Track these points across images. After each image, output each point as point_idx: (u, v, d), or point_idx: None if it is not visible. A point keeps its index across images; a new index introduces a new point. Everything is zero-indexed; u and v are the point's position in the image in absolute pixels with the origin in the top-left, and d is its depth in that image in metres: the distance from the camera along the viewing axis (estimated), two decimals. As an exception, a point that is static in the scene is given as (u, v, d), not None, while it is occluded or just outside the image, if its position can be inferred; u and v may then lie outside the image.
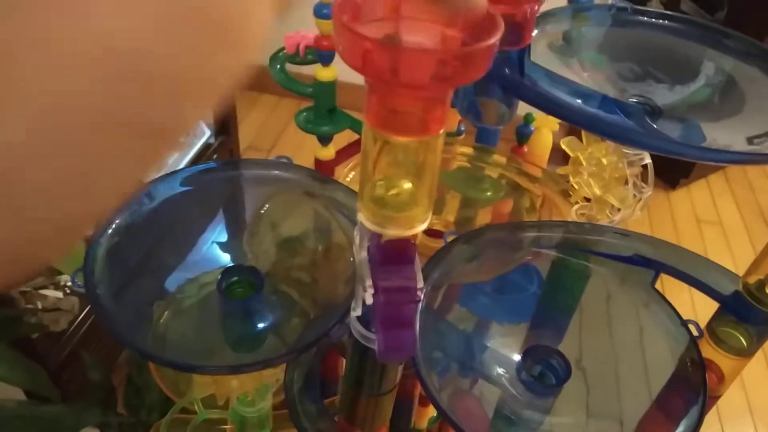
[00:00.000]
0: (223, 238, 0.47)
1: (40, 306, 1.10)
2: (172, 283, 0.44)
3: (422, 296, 0.27)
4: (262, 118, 2.40)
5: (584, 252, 0.46)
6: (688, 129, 0.36)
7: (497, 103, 0.42)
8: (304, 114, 0.92)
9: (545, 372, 0.41)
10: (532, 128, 0.90)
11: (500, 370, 0.42)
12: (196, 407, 0.55)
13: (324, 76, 0.85)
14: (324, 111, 0.89)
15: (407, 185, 0.25)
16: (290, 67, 0.83)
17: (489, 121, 0.45)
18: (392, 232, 0.26)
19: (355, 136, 0.97)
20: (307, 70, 0.84)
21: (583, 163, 0.43)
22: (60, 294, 1.14)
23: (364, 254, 0.28)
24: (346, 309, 0.38)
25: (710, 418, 1.34)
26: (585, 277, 0.48)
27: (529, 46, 0.36)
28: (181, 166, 1.40)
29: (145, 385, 1.03)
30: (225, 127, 1.57)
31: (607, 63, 0.39)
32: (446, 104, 0.23)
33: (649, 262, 0.41)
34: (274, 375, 0.52)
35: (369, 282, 0.27)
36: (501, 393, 0.41)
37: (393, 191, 0.25)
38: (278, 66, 0.89)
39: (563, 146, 0.46)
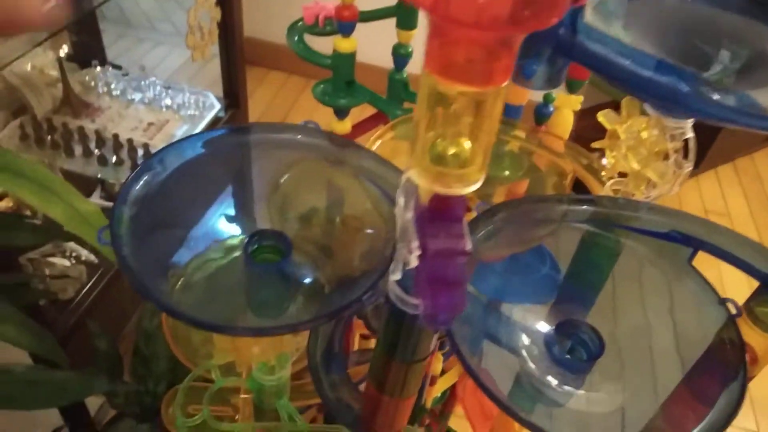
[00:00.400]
0: (247, 203, 0.46)
1: (47, 273, 1.09)
2: (195, 246, 0.43)
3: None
4: (270, 95, 2.38)
5: (617, 227, 0.45)
6: (738, 98, 0.34)
7: (546, 67, 0.40)
8: (322, 86, 0.91)
9: (576, 347, 0.41)
10: (552, 108, 0.89)
11: (527, 344, 0.41)
12: (213, 375, 0.54)
13: (343, 48, 0.84)
14: (342, 83, 0.88)
15: (464, 141, 0.24)
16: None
17: (537, 86, 0.44)
18: (444, 190, 0.25)
19: (371, 110, 0.96)
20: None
21: (622, 136, 0.42)
22: (67, 262, 1.14)
23: (409, 215, 0.27)
24: (378, 275, 0.37)
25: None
26: (616, 254, 0.47)
27: (584, 6, 0.34)
28: (191, 138, 1.38)
29: (152, 354, 1.03)
30: (235, 100, 1.56)
31: (652, 31, 0.38)
32: (514, 53, 0.22)
33: (687, 238, 0.40)
34: (295, 343, 0.51)
35: (415, 243, 0.26)
36: (529, 367, 0.40)
37: (448, 147, 0.24)
38: (296, 37, 0.88)
39: (600, 119, 0.44)
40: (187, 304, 0.43)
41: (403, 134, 0.62)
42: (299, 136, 0.46)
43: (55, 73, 1.38)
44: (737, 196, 2.10)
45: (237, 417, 0.61)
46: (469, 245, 0.26)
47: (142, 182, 0.41)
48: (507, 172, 0.73)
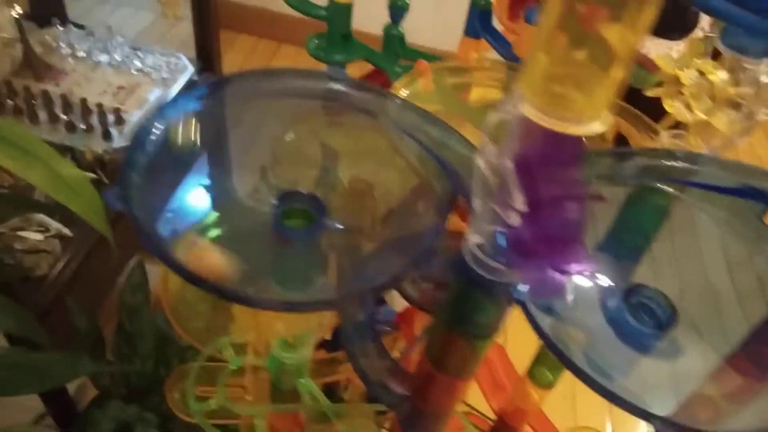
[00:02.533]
0: (268, 160, 0.41)
1: (18, 248, 1.02)
2: (211, 207, 0.38)
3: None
4: (240, 59, 2.28)
5: (675, 182, 0.41)
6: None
7: None
8: (316, 41, 0.85)
9: (643, 315, 0.37)
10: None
11: (591, 314, 0.38)
12: (225, 354, 0.50)
13: (341, -3, 0.77)
14: (338, 37, 0.82)
15: (594, 70, 0.19)
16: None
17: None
18: (564, 128, 0.20)
19: (368, 68, 0.90)
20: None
21: (685, 81, 0.38)
22: (39, 236, 1.06)
23: (508, 162, 0.22)
24: (429, 240, 0.33)
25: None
26: (666, 211, 0.44)
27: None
28: (164, 102, 1.30)
29: (137, 331, 0.97)
30: (209, 63, 1.47)
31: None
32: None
33: (761, 194, 0.37)
34: (317, 319, 0.47)
35: (519, 195, 0.22)
36: (596, 339, 0.37)
37: (573, 76, 0.20)
38: (288, -13, 0.81)
39: (657, 62, 0.40)
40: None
41: (415, 94, 0.58)
42: (323, 83, 0.41)
43: (12, 32, 1.27)
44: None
45: (247, 397, 0.57)
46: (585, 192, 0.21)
47: (150, 138, 0.35)
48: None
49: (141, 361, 0.96)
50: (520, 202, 0.22)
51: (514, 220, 0.22)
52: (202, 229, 0.37)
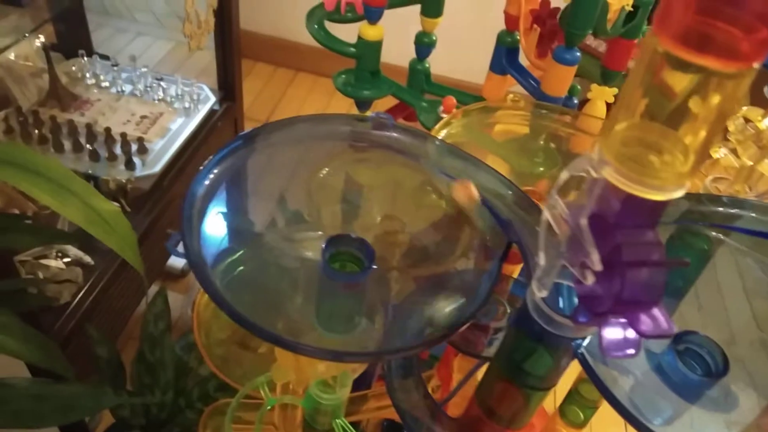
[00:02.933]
0: (316, 202, 0.41)
1: (41, 276, 1.02)
2: (258, 243, 0.39)
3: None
4: (257, 87, 2.31)
5: (716, 227, 0.41)
6: None
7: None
8: (343, 76, 0.86)
9: (691, 361, 0.37)
10: (576, 101, 0.86)
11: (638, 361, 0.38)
12: (262, 393, 0.50)
13: (370, 35, 0.79)
14: (366, 73, 0.83)
15: (684, 133, 0.20)
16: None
17: None
18: (646, 193, 0.21)
19: (393, 102, 0.91)
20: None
21: (730, 128, 0.38)
22: (62, 264, 1.06)
23: (584, 221, 0.23)
24: (486, 291, 0.33)
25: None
26: (708, 256, 0.43)
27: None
28: (187, 131, 1.32)
29: (158, 362, 0.97)
30: (230, 93, 1.49)
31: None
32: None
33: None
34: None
35: (596, 256, 0.22)
36: (642, 383, 0.36)
37: (663, 140, 0.20)
38: (316, 23, 0.83)
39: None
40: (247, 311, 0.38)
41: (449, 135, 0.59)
42: (371, 131, 0.42)
43: (40, 63, 1.29)
44: None
45: (277, 435, 0.56)
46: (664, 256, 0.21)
47: (201, 186, 0.36)
48: (541, 168, 0.69)
49: (161, 392, 0.95)
50: (596, 261, 0.22)
51: (590, 278, 0.22)
52: (251, 272, 0.37)
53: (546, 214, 0.24)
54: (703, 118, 0.19)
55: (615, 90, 0.75)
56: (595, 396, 0.54)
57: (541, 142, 0.71)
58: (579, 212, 0.23)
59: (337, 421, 0.48)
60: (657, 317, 0.21)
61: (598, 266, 0.22)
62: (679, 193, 0.20)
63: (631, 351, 0.22)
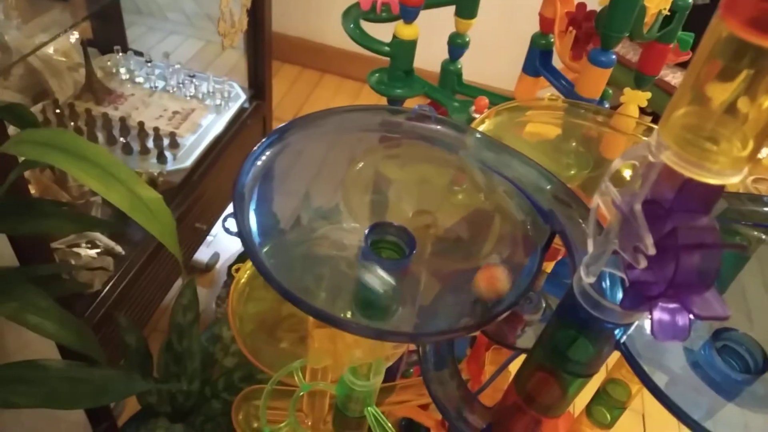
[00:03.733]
0: (359, 190, 0.42)
1: (74, 264, 1.05)
2: (304, 229, 0.40)
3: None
4: (284, 88, 2.33)
5: (757, 226, 0.41)
6: None
7: None
8: (377, 75, 0.87)
9: (729, 358, 0.37)
10: (606, 105, 0.86)
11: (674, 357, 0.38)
12: (296, 379, 0.51)
13: (405, 34, 0.80)
14: (400, 72, 0.84)
15: (743, 120, 0.20)
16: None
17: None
18: (705, 177, 0.21)
19: (424, 103, 0.92)
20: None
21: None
22: (93, 252, 1.09)
23: (638, 206, 0.23)
24: (530, 276, 0.34)
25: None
26: (746, 256, 0.43)
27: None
28: (217, 128, 1.34)
29: (186, 351, 0.98)
30: (260, 92, 1.52)
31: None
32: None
33: None
34: (392, 347, 0.47)
35: (650, 241, 0.22)
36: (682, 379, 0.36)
37: (720, 130, 0.20)
38: (352, 22, 0.84)
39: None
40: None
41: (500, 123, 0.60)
42: (415, 124, 0.42)
43: (77, 57, 1.33)
44: None
45: (306, 421, 0.57)
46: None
47: (257, 167, 0.37)
48: (573, 171, 0.69)
49: (188, 381, 0.97)
50: (650, 246, 0.22)
51: (642, 263, 0.23)
52: (300, 255, 0.38)
53: (597, 200, 0.25)
54: (765, 107, 0.19)
55: (648, 94, 0.75)
56: (624, 397, 0.54)
57: (573, 144, 0.72)
58: (633, 198, 0.23)
59: (368, 408, 0.49)
60: (710, 300, 0.21)
61: (652, 250, 0.22)
62: (736, 179, 0.21)
63: (681, 335, 0.23)
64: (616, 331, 0.29)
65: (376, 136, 0.47)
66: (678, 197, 0.22)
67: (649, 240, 0.22)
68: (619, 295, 0.26)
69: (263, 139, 0.41)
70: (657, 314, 0.23)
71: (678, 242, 0.21)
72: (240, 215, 0.33)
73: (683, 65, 1.75)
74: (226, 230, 0.32)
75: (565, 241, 0.33)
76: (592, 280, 0.26)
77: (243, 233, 0.32)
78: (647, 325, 0.42)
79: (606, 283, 0.27)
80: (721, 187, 0.21)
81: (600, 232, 0.26)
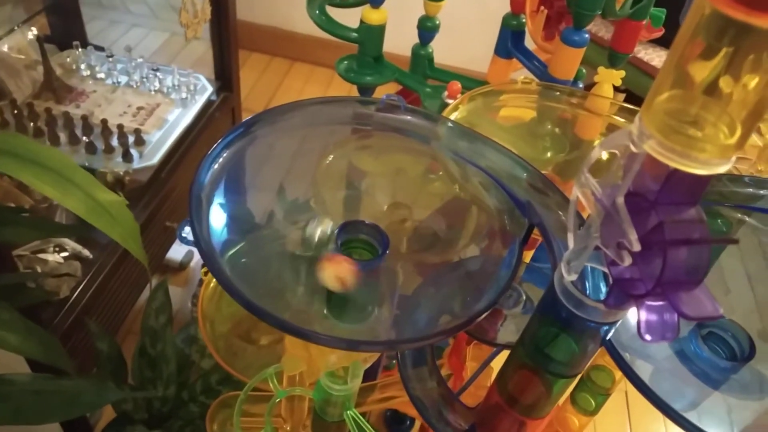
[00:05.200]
0: (326, 186, 0.40)
1: (39, 271, 1.01)
2: (266, 230, 0.37)
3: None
4: (253, 78, 2.29)
5: (743, 208, 0.40)
6: None
7: None
8: (345, 62, 0.84)
9: (716, 345, 0.36)
10: (580, 85, 0.85)
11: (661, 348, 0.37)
12: (271, 386, 0.48)
13: (373, 19, 0.77)
14: (369, 59, 0.82)
15: (729, 104, 0.18)
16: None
17: None
18: (691, 167, 0.19)
19: (395, 89, 0.90)
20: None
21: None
22: (60, 258, 1.05)
23: (620, 199, 0.21)
24: (508, 277, 0.32)
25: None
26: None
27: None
28: (184, 122, 1.30)
29: (160, 355, 0.95)
30: (227, 83, 1.48)
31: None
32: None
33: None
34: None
35: (634, 236, 0.21)
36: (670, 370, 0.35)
37: (706, 117, 0.19)
38: (317, 8, 0.81)
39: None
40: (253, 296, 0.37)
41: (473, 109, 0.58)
42: (382, 114, 0.40)
43: (34, 55, 1.27)
44: None
45: (285, 426, 0.55)
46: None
47: (213, 167, 0.34)
48: (549, 154, 0.68)
49: (164, 386, 0.94)
50: (634, 241, 0.21)
51: (627, 260, 0.21)
52: (259, 261, 0.36)
53: (576, 193, 0.23)
54: (750, 88, 0.18)
55: (622, 73, 0.74)
56: (608, 383, 0.53)
57: (548, 127, 0.70)
58: (614, 190, 0.21)
59: (348, 412, 0.47)
60: (700, 299, 0.20)
61: (637, 246, 0.21)
62: (723, 168, 0.19)
63: (670, 335, 0.21)
64: (601, 330, 0.27)
65: (348, 129, 0.45)
66: (663, 189, 0.20)
67: (633, 235, 0.21)
68: (603, 292, 0.25)
69: (222, 138, 0.38)
70: (644, 314, 0.21)
71: (665, 237, 0.20)
72: (197, 223, 0.31)
73: (657, 42, 1.75)
74: (182, 240, 0.29)
75: (544, 234, 0.31)
76: (573, 277, 0.24)
77: (200, 242, 0.30)
78: (632, 316, 0.40)
79: (588, 281, 0.26)
80: (709, 178, 0.20)
81: (581, 226, 0.24)
